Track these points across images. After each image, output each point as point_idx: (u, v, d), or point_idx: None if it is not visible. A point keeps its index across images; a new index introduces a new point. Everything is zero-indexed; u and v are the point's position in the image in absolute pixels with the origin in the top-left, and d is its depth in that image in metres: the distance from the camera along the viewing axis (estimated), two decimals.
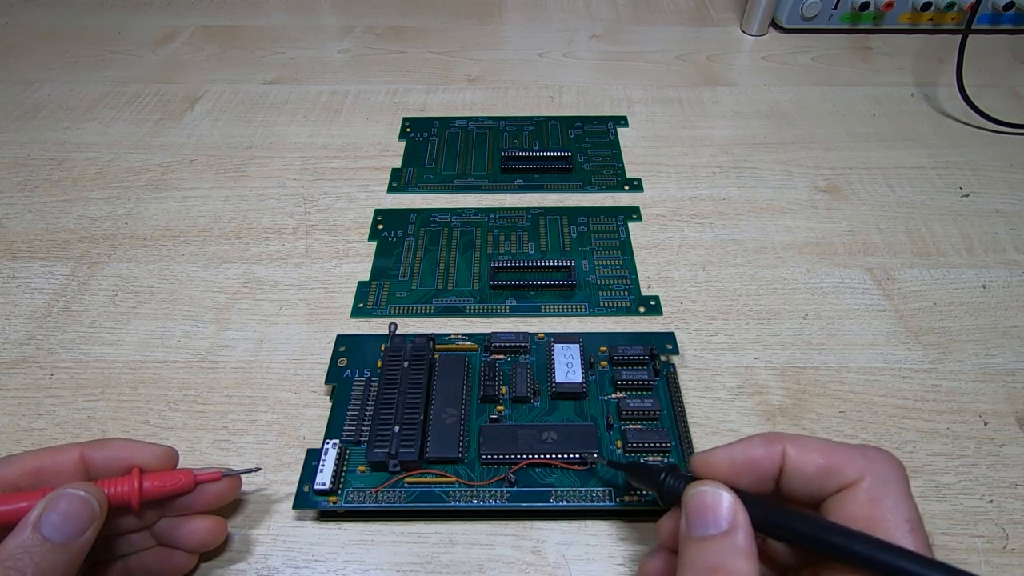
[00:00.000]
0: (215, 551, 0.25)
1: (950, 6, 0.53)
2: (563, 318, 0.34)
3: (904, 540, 0.17)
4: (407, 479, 0.26)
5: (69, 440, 0.28)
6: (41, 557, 0.19)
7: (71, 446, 0.22)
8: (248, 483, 0.27)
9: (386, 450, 0.26)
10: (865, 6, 0.53)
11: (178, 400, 0.30)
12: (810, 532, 0.18)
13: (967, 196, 0.41)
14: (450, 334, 0.32)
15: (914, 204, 0.40)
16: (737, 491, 0.19)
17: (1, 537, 0.19)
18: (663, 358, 0.30)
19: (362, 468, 0.26)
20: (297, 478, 0.26)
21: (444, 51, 0.55)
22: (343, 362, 0.30)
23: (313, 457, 0.27)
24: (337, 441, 0.27)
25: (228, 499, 0.25)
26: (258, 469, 0.26)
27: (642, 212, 0.39)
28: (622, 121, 0.47)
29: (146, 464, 0.23)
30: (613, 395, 0.29)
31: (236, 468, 0.25)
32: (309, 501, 0.26)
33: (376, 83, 0.51)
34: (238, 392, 0.30)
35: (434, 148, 0.44)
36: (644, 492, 0.26)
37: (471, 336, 0.31)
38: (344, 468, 0.26)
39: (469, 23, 0.59)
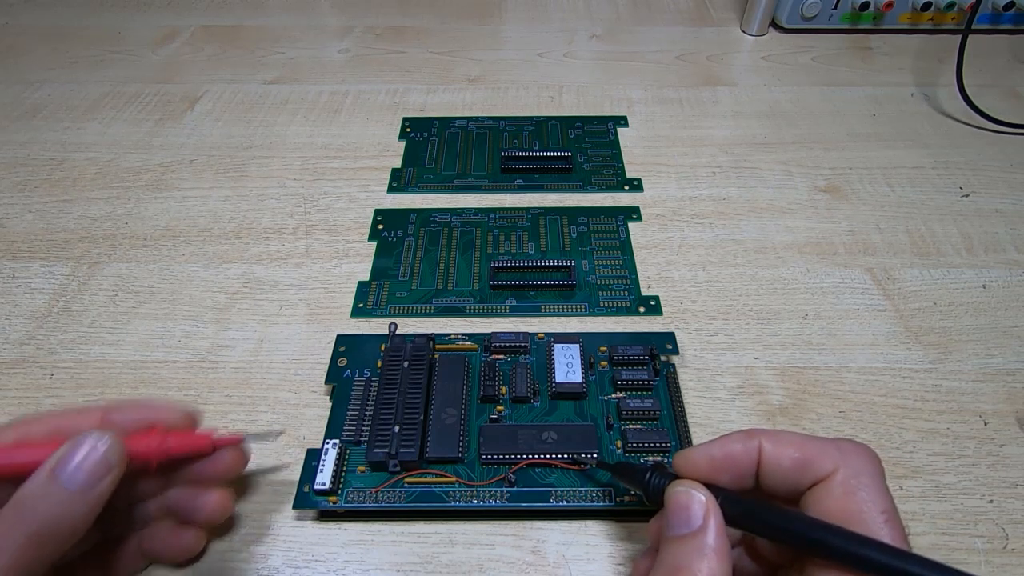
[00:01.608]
0: (219, 548, 0.25)
1: (950, 6, 0.53)
2: (563, 318, 0.34)
3: (880, 532, 0.17)
4: (407, 479, 0.26)
5: None
6: (56, 503, 0.18)
7: (94, 407, 0.22)
8: (248, 483, 0.27)
9: (386, 450, 0.26)
10: (865, 6, 0.53)
11: (178, 400, 0.30)
12: (788, 527, 0.18)
13: (967, 196, 0.41)
14: (450, 334, 0.32)
15: (914, 204, 0.40)
16: (718, 489, 0.19)
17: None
18: (663, 358, 0.30)
19: (362, 468, 0.26)
20: (297, 478, 0.26)
21: (444, 51, 0.55)
22: (343, 362, 0.30)
23: (313, 457, 0.26)
24: (337, 441, 0.27)
25: (239, 470, 0.24)
26: (281, 431, 0.25)
27: (642, 212, 0.39)
28: (622, 121, 0.47)
29: (168, 425, 0.22)
30: (613, 395, 0.29)
31: (258, 432, 0.25)
32: (309, 501, 0.25)
33: (376, 83, 0.51)
34: (238, 392, 0.30)
35: (434, 148, 0.44)
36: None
37: (471, 336, 0.31)
38: (344, 468, 0.26)
39: (469, 23, 0.59)
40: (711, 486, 0.20)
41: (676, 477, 0.21)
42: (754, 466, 0.20)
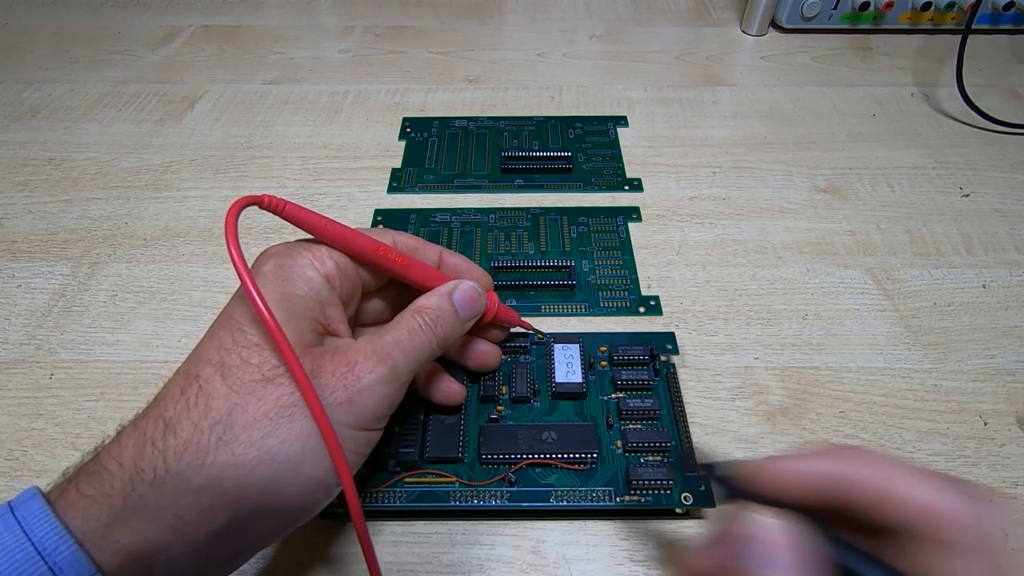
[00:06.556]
0: None
1: (950, 6, 0.53)
2: (563, 318, 0.34)
3: None
4: (407, 479, 0.26)
5: (68, 440, 0.29)
6: (448, 321, 0.23)
7: (435, 246, 0.27)
8: None
9: (386, 450, 0.26)
10: (865, 6, 0.53)
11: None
12: None
13: (967, 196, 0.41)
14: None
15: (914, 204, 0.40)
16: (824, 529, 0.16)
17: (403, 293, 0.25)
18: (663, 358, 0.30)
19: (363, 468, 0.26)
20: None
21: (444, 51, 0.55)
22: None
23: None
24: None
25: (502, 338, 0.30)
26: (546, 334, 0.31)
27: (642, 212, 0.39)
28: (622, 121, 0.47)
29: (478, 282, 0.26)
30: (613, 395, 0.29)
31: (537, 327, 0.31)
32: None
33: (376, 83, 0.51)
34: None
35: (434, 148, 0.44)
36: (644, 492, 0.26)
37: None
38: None
39: (469, 23, 0.59)
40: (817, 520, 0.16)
41: (748, 496, 0.18)
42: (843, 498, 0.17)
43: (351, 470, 0.20)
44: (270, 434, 0.18)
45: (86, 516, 0.17)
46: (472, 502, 0.26)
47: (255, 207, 0.20)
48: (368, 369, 0.20)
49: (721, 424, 0.29)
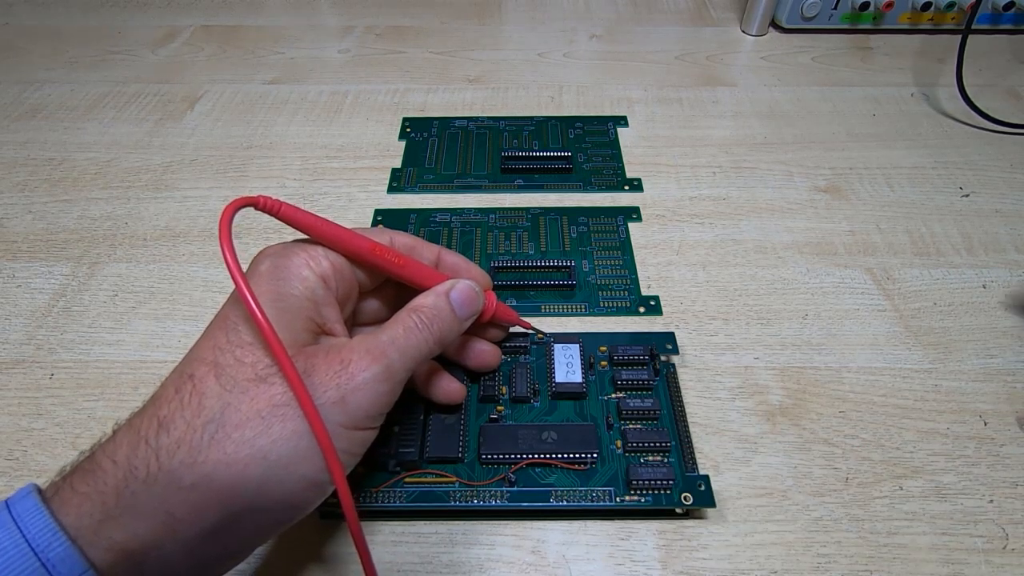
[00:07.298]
0: None
1: (950, 6, 0.53)
2: (563, 318, 0.34)
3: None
4: (407, 479, 0.26)
5: (68, 440, 0.29)
6: (444, 320, 0.23)
7: (433, 245, 0.27)
8: None
9: (386, 450, 0.26)
10: (865, 6, 0.53)
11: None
12: None
13: (967, 196, 0.41)
14: None
15: (914, 204, 0.40)
16: None
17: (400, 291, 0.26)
18: (663, 358, 0.30)
19: (362, 468, 0.26)
20: None
21: (444, 51, 0.55)
22: None
23: None
24: None
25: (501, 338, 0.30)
26: (546, 334, 0.31)
27: (642, 212, 0.39)
28: (622, 121, 0.47)
29: (476, 281, 0.26)
30: (613, 395, 0.29)
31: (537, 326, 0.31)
32: None
33: (376, 83, 0.51)
34: None
35: (434, 148, 0.44)
36: (644, 492, 0.26)
37: None
38: None
39: (469, 23, 0.59)
40: None
41: None
42: None
43: (345, 469, 0.19)
44: (262, 433, 0.18)
45: (79, 513, 0.18)
46: (472, 502, 0.26)
47: (251, 208, 0.20)
48: (362, 367, 0.20)
49: (721, 424, 0.29)
